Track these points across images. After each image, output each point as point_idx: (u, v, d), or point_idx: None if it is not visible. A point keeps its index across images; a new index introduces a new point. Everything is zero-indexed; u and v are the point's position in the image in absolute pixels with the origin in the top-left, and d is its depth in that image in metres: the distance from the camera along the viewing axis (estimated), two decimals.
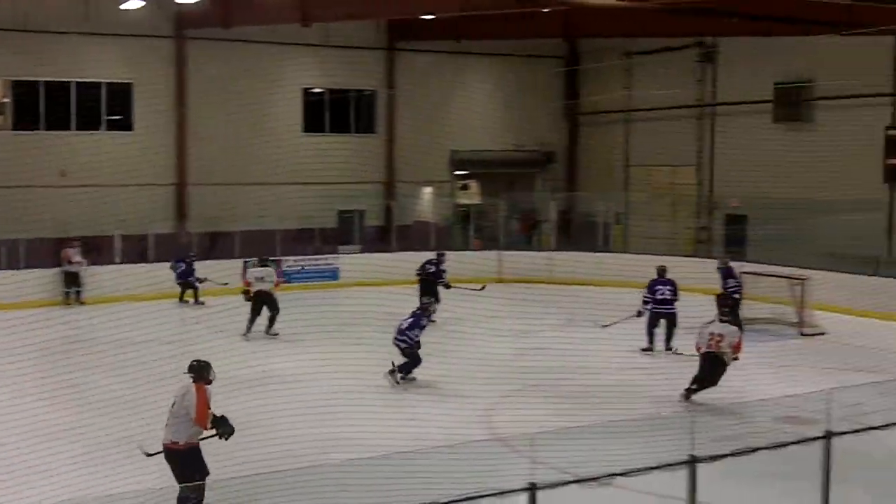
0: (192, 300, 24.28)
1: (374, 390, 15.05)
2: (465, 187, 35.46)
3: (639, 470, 8.16)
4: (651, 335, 18.51)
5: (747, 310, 20.88)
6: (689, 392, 14.55)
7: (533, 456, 8.33)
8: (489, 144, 34.81)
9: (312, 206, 29.53)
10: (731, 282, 20.41)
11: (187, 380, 10.12)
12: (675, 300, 18.42)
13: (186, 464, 9.77)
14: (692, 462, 8.15)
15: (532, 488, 7.73)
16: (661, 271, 18.98)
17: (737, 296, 19.78)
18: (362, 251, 29.46)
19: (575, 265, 26.54)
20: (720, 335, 14.58)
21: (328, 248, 28.77)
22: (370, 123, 33.90)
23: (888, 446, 11.20)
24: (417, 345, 15.93)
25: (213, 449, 10.08)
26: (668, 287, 18.55)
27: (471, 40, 32.37)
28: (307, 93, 32.69)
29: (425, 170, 33.64)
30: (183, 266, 24.60)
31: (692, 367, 14.84)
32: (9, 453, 11.62)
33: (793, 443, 8.82)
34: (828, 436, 8.46)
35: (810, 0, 11.97)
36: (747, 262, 23.51)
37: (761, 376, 16.00)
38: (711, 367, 14.50)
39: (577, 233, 31.25)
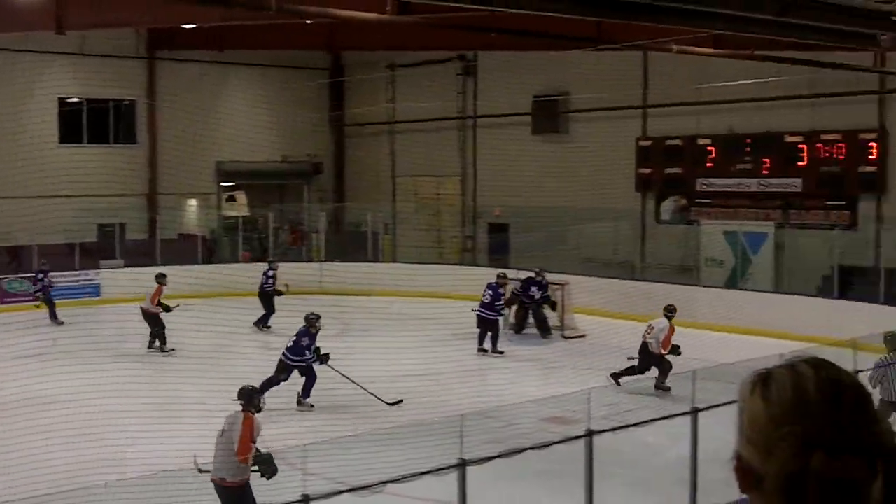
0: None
1: (140, 408, 14.66)
2: (231, 199, 34.99)
3: (410, 476, 8.34)
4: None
5: (511, 315, 21.67)
6: (616, 376, 16.09)
7: (305, 467, 8.37)
8: (256, 155, 34.51)
9: (71, 220, 28.40)
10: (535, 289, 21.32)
11: (236, 407, 9.54)
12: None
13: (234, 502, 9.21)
14: (462, 465, 8.39)
15: (306, 500, 7.80)
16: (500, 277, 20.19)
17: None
18: (125, 266, 28.55)
19: (345, 275, 26.72)
20: (651, 326, 16.17)
21: (89, 263, 27.72)
22: (131, 134, 32.95)
23: (645, 442, 11.88)
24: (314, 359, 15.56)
25: None
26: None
27: (234, 50, 32.02)
28: (63, 102, 31.42)
29: (190, 181, 32.95)
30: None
31: (463, 375, 15.24)
32: None
33: (557, 442, 9.25)
34: (589, 434, 8.91)
35: (563, 17, 12.44)
36: (509, 269, 24.28)
37: (526, 378, 16.62)
38: (642, 357, 15.90)
39: (346, 243, 31.45)
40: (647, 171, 26.89)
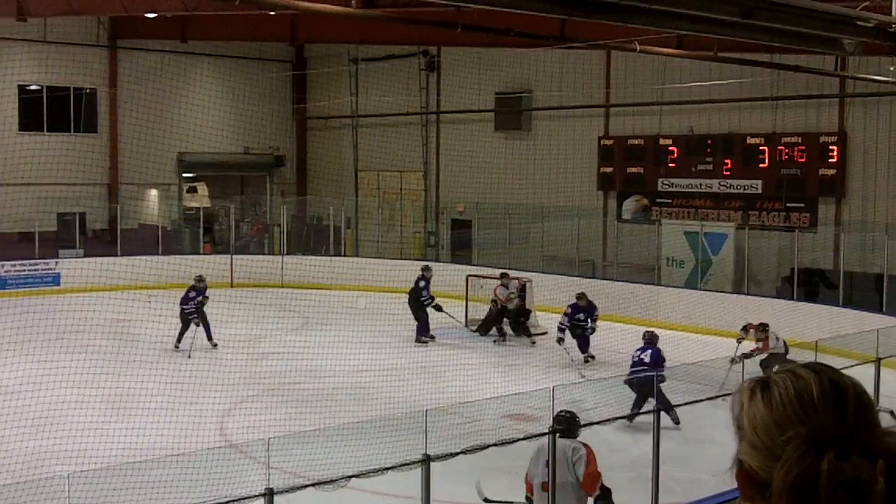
0: None
1: (98, 400, 14.54)
2: (193, 190, 34.77)
3: (374, 470, 8.35)
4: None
5: (473, 311, 21.71)
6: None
7: (268, 461, 8.35)
8: (218, 147, 34.31)
9: (30, 209, 28.11)
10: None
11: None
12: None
13: None
14: (426, 461, 8.40)
15: (269, 493, 7.78)
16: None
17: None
18: (85, 255, 28.30)
19: (307, 269, 26.66)
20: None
21: (48, 253, 27.46)
22: (92, 122, 32.66)
23: (606, 440, 11.97)
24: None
25: None
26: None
27: (197, 40, 31.82)
28: (23, 90, 31.10)
29: (151, 171, 32.68)
30: None
31: (424, 371, 15.25)
32: None
33: (520, 439, 9.28)
34: (553, 432, 8.94)
35: (527, 14, 12.43)
36: (472, 265, 24.35)
37: (489, 376, 16.67)
38: None
39: (308, 236, 31.37)
40: (609, 169, 27.04)
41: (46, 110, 31.66)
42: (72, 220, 30.41)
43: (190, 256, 27.87)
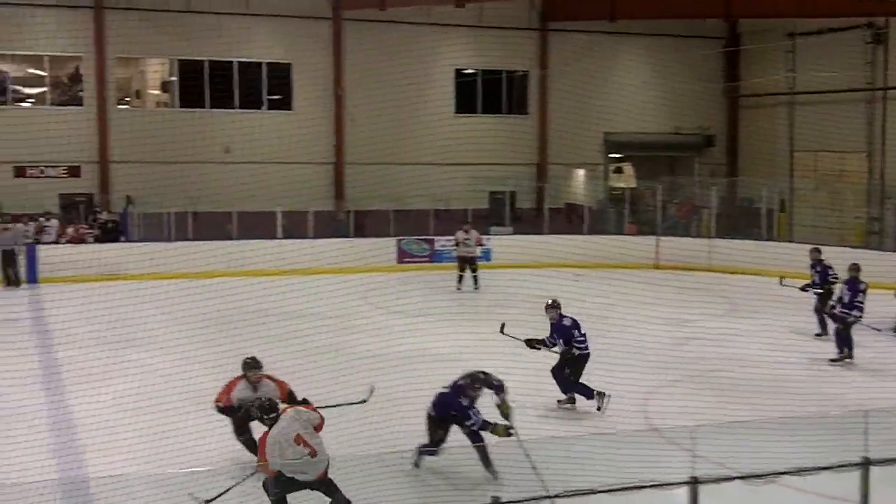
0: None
1: (521, 373, 14.72)
2: (619, 170, 34.88)
3: (808, 469, 7.77)
4: (822, 321, 17.71)
5: None
6: None
7: (693, 449, 8.01)
8: (645, 127, 34.18)
9: (464, 187, 29.56)
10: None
11: None
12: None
13: None
14: (866, 465, 7.71)
15: (694, 482, 7.46)
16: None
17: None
18: (514, 233, 29.26)
19: (735, 253, 25.71)
20: None
21: (480, 230, 28.67)
22: (522, 104, 33.73)
23: None
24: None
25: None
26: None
27: (626, 20, 31.72)
28: (460, 73, 32.75)
29: (578, 152, 33.22)
30: None
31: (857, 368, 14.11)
32: (171, 417, 11.92)
33: None
34: None
35: None
36: None
37: None
38: None
39: (738, 219, 30.29)
40: None
41: (481, 93, 33.07)
42: (502, 198, 31.63)
43: (614, 236, 27.94)
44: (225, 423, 10.45)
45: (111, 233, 26.34)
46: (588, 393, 13.13)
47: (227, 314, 18.32)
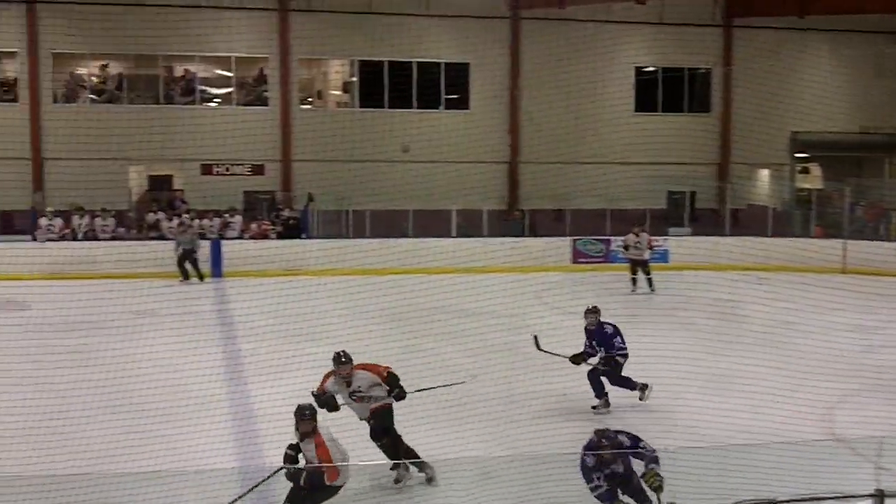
0: None
1: (698, 378, 14.33)
2: (805, 171, 33.71)
3: None
4: None
5: None
6: None
7: (879, 461, 7.60)
8: (832, 126, 32.94)
9: (642, 186, 29.10)
10: None
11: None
12: None
13: None
14: None
15: (880, 495, 7.09)
16: None
17: None
18: (692, 234, 28.62)
19: None
20: None
21: (657, 230, 28.19)
22: (704, 103, 33.05)
23: None
24: None
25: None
26: None
27: (816, 15, 30.58)
28: (640, 71, 32.33)
29: (762, 151, 32.34)
30: None
31: None
32: (348, 411, 12.03)
33: None
34: None
35: None
36: None
37: None
38: None
39: None
40: None
41: (662, 91, 32.52)
42: (681, 198, 31.01)
43: (800, 239, 26.97)
44: (399, 417, 10.52)
45: (292, 229, 27.04)
46: (631, 385, 12.84)
47: (402, 310, 18.55)
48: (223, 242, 25.55)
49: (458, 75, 31.11)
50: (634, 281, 23.04)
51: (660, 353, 14.19)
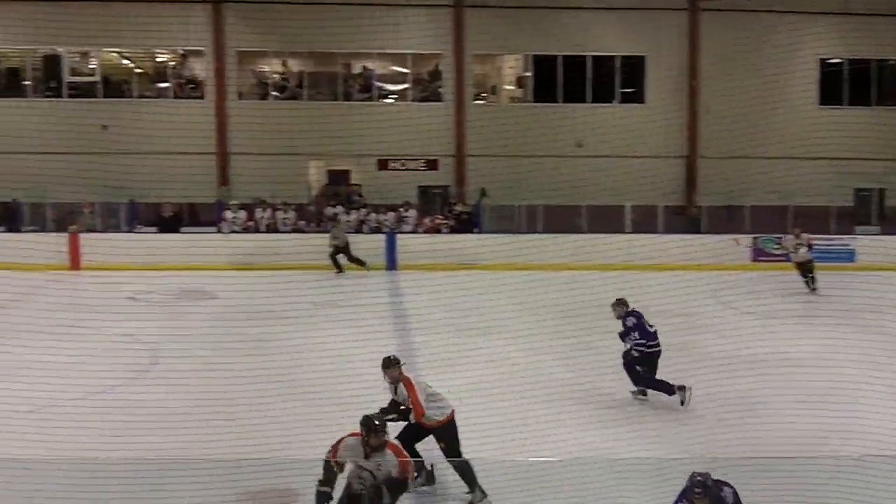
0: None
1: (882, 382, 13.66)
2: None
3: None
4: None
5: None
6: None
7: None
8: None
9: (827, 183, 28.04)
10: None
11: None
12: None
13: None
14: None
15: None
16: None
17: None
18: (881, 233, 27.41)
19: None
20: None
21: (843, 228, 27.09)
22: (893, 95, 31.52)
23: None
24: None
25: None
26: None
27: None
28: (824, 63, 31.15)
29: None
30: None
31: None
32: (522, 405, 12.16)
33: None
34: None
35: None
36: None
37: None
38: None
39: None
40: None
41: (848, 83, 31.29)
42: (869, 195, 29.78)
43: None
44: (574, 415, 10.45)
45: (465, 224, 27.20)
46: (668, 389, 12.55)
47: (576, 306, 18.35)
48: (397, 236, 25.92)
49: (634, 69, 30.70)
50: (807, 282, 22.23)
51: (841, 355, 13.70)
